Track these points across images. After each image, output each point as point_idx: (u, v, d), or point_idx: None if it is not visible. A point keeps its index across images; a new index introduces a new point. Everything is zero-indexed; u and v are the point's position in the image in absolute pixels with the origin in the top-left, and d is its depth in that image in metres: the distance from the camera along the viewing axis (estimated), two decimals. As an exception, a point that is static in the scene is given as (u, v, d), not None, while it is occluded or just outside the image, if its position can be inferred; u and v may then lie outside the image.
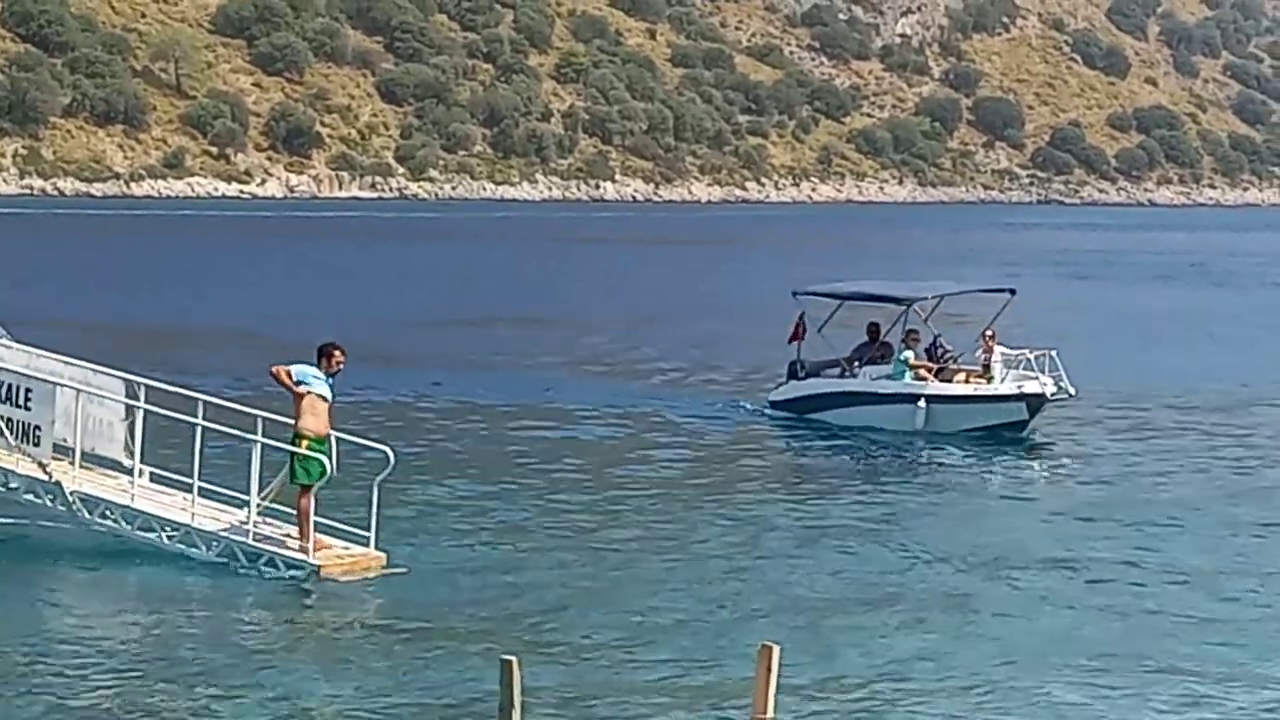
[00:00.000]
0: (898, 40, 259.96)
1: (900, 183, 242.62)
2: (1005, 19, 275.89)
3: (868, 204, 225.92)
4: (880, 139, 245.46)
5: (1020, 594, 26.84)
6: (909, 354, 39.47)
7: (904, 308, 41.21)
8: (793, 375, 41.56)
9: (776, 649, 17.11)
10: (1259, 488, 36.23)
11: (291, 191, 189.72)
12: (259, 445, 27.07)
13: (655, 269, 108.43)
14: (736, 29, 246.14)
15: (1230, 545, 30.93)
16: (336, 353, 27.05)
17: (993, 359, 38.98)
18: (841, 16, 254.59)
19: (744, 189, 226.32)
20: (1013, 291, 42.60)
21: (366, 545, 26.84)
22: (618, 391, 48.10)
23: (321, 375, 26.80)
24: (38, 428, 28.27)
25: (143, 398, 28.54)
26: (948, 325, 42.65)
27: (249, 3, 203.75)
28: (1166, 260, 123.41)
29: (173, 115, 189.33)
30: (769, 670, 17.13)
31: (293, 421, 27.12)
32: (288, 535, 27.17)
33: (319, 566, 26.41)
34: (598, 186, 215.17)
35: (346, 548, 26.97)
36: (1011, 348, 40.54)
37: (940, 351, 39.99)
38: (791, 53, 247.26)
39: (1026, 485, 36.76)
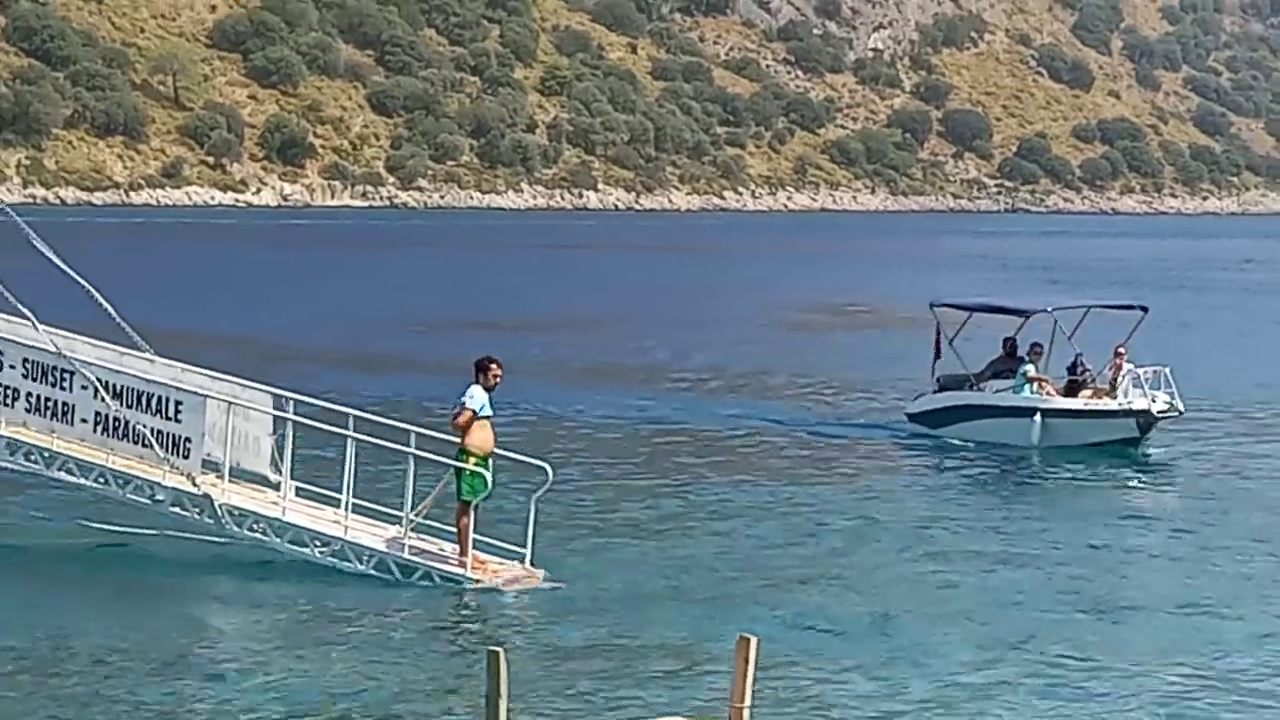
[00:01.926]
0: (870, 54, 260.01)
1: (873, 192, 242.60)
2: (973, 34, 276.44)
3: (841, 213, 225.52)
4: (853, 150, 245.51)
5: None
6: (1029, 368, 38.87)
7: (1024, 319, 40.68)
8: (942, 389, 40.86)
9: (754, 640, 17.13)
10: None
11: (285, 200, 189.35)
12: (412, 459, 26.58)
13: (717, 274, 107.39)
14: (715, 43, 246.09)
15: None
16: (494, 366, 26.48)
17: (1121, 376, 38.35)
18: (816, 31, 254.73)
19: (722, 198, 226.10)
20: (1145, 309, 41.92)
21: (523, 560, 26.30)
22: (756, 405, 47.04)
23: (484, 389, 26.22)
24: (188, 440, 27.78)
25: (291, 411, 28.02)
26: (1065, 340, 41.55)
27: (244, 17, 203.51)
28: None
29: (171, 126, 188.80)
30: (746, 661, 17.15)
31: (444, 436, 26.74)
32: (442, 549, 26.63)
33: (476, 580, 25.86)
34: (581, 195, 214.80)
35: (502, 562, 26.42)
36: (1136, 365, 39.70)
37: (1080, 369, 39.14)
38: (768, 66, 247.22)
39: (1111, 504, 35.40)
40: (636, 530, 30.83)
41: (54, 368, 28.86)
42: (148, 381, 28.67)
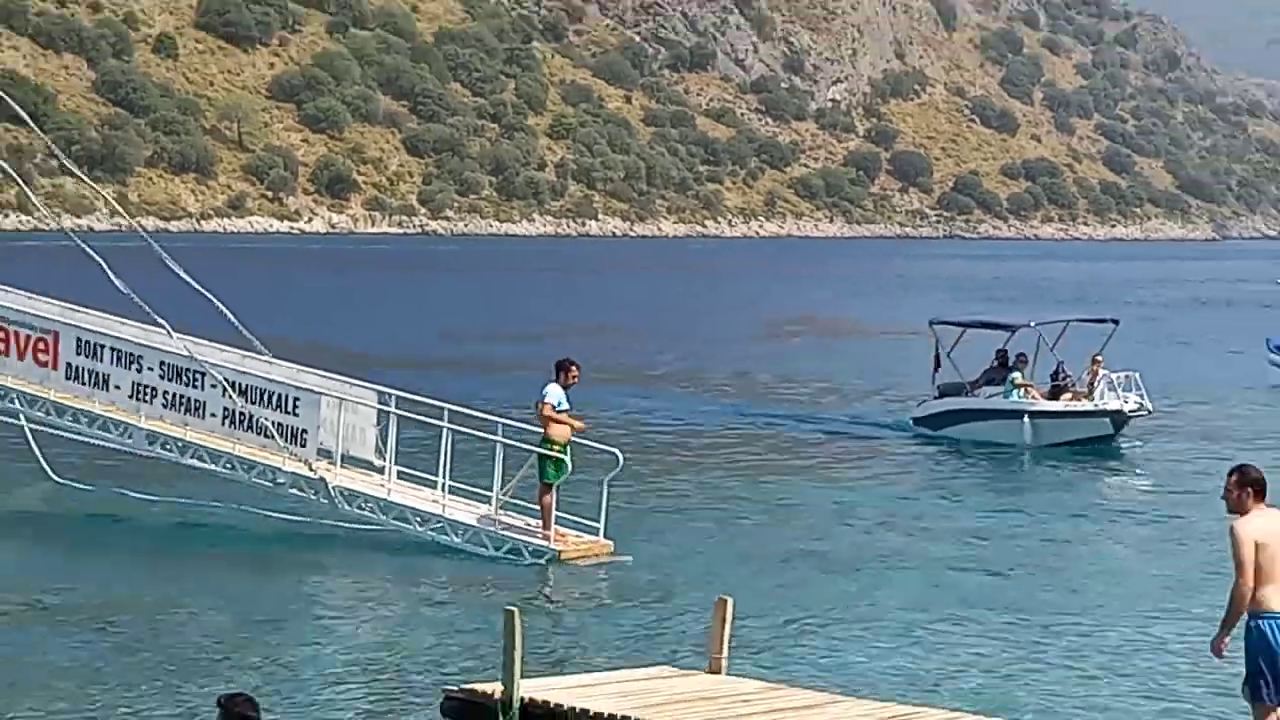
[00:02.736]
0: (829, 104, 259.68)
1: (831, 221, 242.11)
2: (916, 87, 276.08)
3: (805, 238, 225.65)
4: (815, 185, 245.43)
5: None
6: (1017, 375, 38.31)
7: (1011, 333, 40.07)
8: (942, 395, 40.21)
9: (730, 601, 17.85)
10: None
11: (333, 228, 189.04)
12: (501, 446, 26.30)
13: (708, 293, 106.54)
14: (697, 95, 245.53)
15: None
16: (573, 368, 26.19)
17: (1097, 380, 37.81)
18: (783, 85, 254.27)
19: (704, 226, 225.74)
20: (1116, 321, 41.57)
21: (597, 535, 25.99)
22: (778, 408, 46.37)
23: (561, 387, 25.95)
24: (304, 431, 27.56)
25: (393, 406, 27.72)
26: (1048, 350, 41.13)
27: (298, 73, 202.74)
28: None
29: (235, 165, 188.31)
30: (723, 621, 17.66)
31: (527, 425, 26.51)
32: (528, 525, 26.30)
33: (559, 552, 25.56)
34: (584, 224, 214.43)
35: (579, 536, 26.10)
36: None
37: (1062, 376, 38.57)
38: (742, 114, 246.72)
39: (1071, 492, 35.29)
40: (690, 510, 30.53)
41: (187, 369, 28.64)
42: (269, 380, 28.47)
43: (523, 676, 16.68)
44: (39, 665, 19.82)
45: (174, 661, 20.24)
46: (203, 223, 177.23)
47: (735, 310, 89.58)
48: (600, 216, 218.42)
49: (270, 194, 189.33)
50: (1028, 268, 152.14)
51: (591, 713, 16.18)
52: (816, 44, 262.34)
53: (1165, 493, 33.95)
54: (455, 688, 17.54)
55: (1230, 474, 14.00)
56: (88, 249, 29.53)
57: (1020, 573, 26.18)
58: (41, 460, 30.76)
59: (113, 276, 29.04)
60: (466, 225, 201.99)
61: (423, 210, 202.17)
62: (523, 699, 16.49)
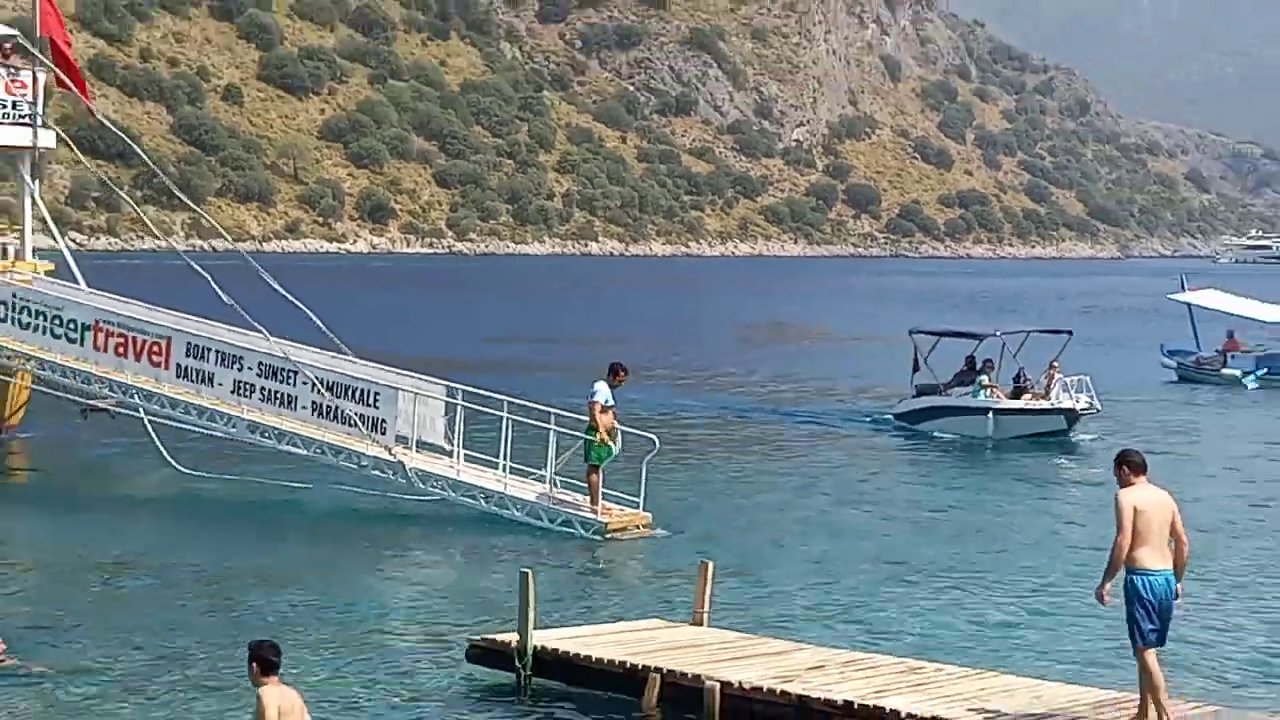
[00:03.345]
0: (793, 144, 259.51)
1: (795, 243, 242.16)
2: (867, 129, 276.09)
3: (773, 257, 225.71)
4: (781, 212, 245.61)
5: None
6: (984, 378, 37.84)
7: (979, 341, 39.61)
8: (919, 394, 39.60)
9: (710, 564, 18.22)
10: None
11: (374, 248, 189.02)
12: (554, 433, 26.09)
13: (699, 305, 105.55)
14: (682, 136, 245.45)
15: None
16: (621, 372, 26.07)
17: (1053, 383, 37.33)
18: (754, 127, 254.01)
19: (688, 247, 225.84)
20: (1070, 332, 41.15)
21: (637, 508, 25.70)
22: (779, 404, 45.93)
23: (609, 387, 25.75)
24: (383, 421, 27.34)
25: (460, 398, 27.49)
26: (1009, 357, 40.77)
27: (344, 118, 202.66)
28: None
29: (291, 195, 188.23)
30: (705, 581, 17.95)
31: (578, 416, 26.27)
32: (578, 500, 26.01)
33: (605, 523, 25.28)
34: (586, 245, 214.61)
35: (622, 509, 25.78)
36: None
37: (1022, 378, 38.00)
38: (720, 153, 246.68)
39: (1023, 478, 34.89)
40: (715, 488, 30.34)
41: (281, 368, 28.44)
42: (352, 377, 28.25)
43: (538, 628, 16.92)
44: (163, 620, 19.72)
45: (269, 613, 20.22)
46: (264, 244, 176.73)
47: (723, 319, 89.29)
48: (600, 239, 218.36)
49: (321, 220, 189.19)
50: (963, 283, 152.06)
51: (594, 658, 16.55)
52: (783, 93, 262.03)
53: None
54: (479, 637, 17.66)
55: (1116, 457, 14.59)
56: (198, 268, 29.23)
57: (977, 541, 25.97)
58: (160, 447, 30.39)
59: (218, 290, 28.81)
60: (487, 246, 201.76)
61: (450, 233, 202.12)
62: (535, 647, 16.71)
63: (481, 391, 27.58)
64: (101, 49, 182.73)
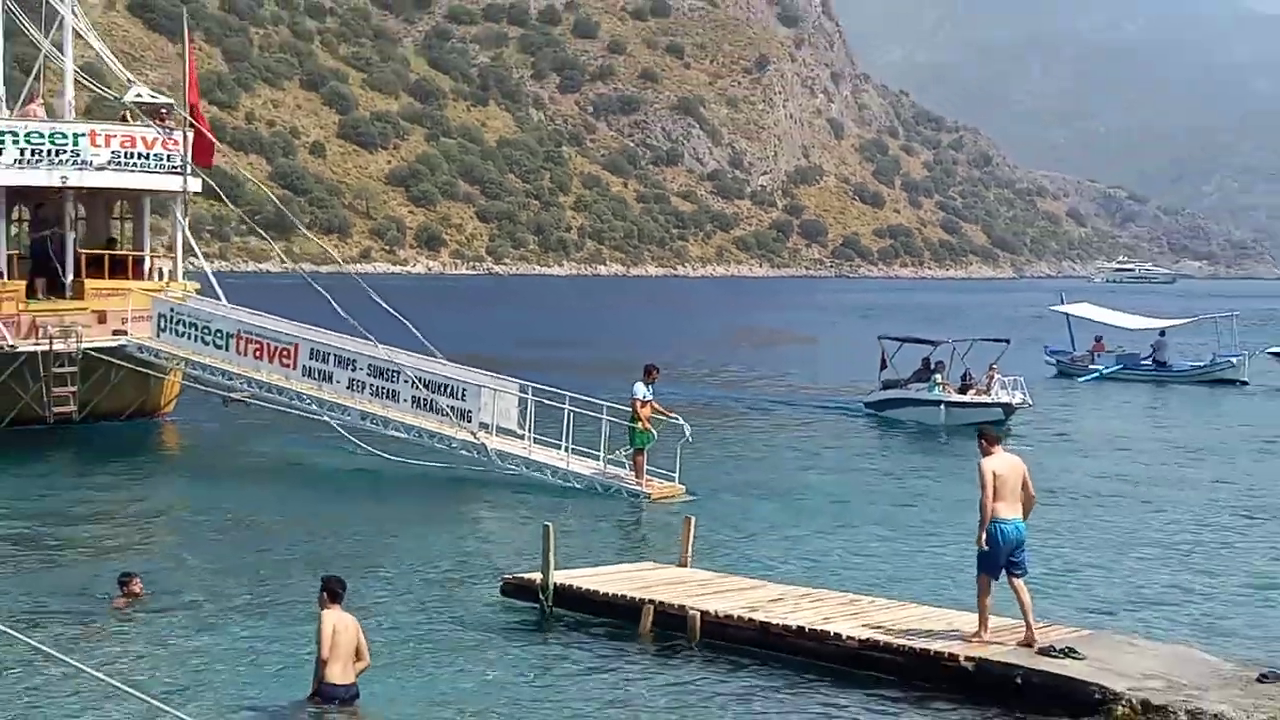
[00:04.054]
0: (759, 188, 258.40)
1: (760, 266, 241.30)
2: (816, 177, 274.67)
3: (742, 278, 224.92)
4: (749, 242, 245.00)
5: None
6: (938, 375, 37.28)
7: (934, 346, 39.02)
8: (885, 388, 39.14)
9: (693, 519, 18.56)
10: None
11: (429, 270, 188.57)
12: (605, 422, 25.81)
13: (693, 317, 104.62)
14: (671, 181, 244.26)
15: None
16: (655, 371, 25.82)
17: (993, 382, 36.78)
18: (729, 175, 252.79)
19: (675, 270, 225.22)
20: (1008, 340, 40.68)
21: (673, 481, 25.39)
22: (773, 394, 45.52)
23: (646, 385, 25.46)
24: (468, 411, 27.08)
25: (530, 393, 27.20)
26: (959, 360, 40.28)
27: (406, 167, 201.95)
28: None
29: (364, 228, 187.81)
30: (689, 532, 18.18)
31: (623, 407, 25.99)
32: (626, 475, 25.69)
33: (649, 494, 24.96)
34: (595, 268, 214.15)
35: (662, 482, 25.46)
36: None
37: (968, 377, 37.31)
38: (701, 195, 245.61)
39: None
40: (736, 463, 29.95)
41: (386, 368, 28.17)
42: (443, 376, 27.97)
43: (558, 569, 17.02)
44: (273, 560, 19.85)
45: (358, 557, 20.08)
46: (342, 268, 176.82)
47: (710, 327, 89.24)
48: (607, 263, 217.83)
49: (387, 248, 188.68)
50: (893, 297, 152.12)
51: (600, 592, 16.74)
52: (750, 148, 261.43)
53: (1035, 455, 33.37)
54: (510, 576, 17.76)
55: (977, 432, 15.09)
56: (318, 287, 28.96)
57: (921, 503, 25.52)
58: (352, 441, 29.47)
59: (337, 307, 28.57)
60: (518, 268, 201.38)
61: (489, 258, 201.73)
62: (554, 583, 16.83)
63: (546, 388, 27.27)
64: (215, 113, 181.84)
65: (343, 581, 13.44)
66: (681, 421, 25.77)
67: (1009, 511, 14.25)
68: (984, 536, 14.21)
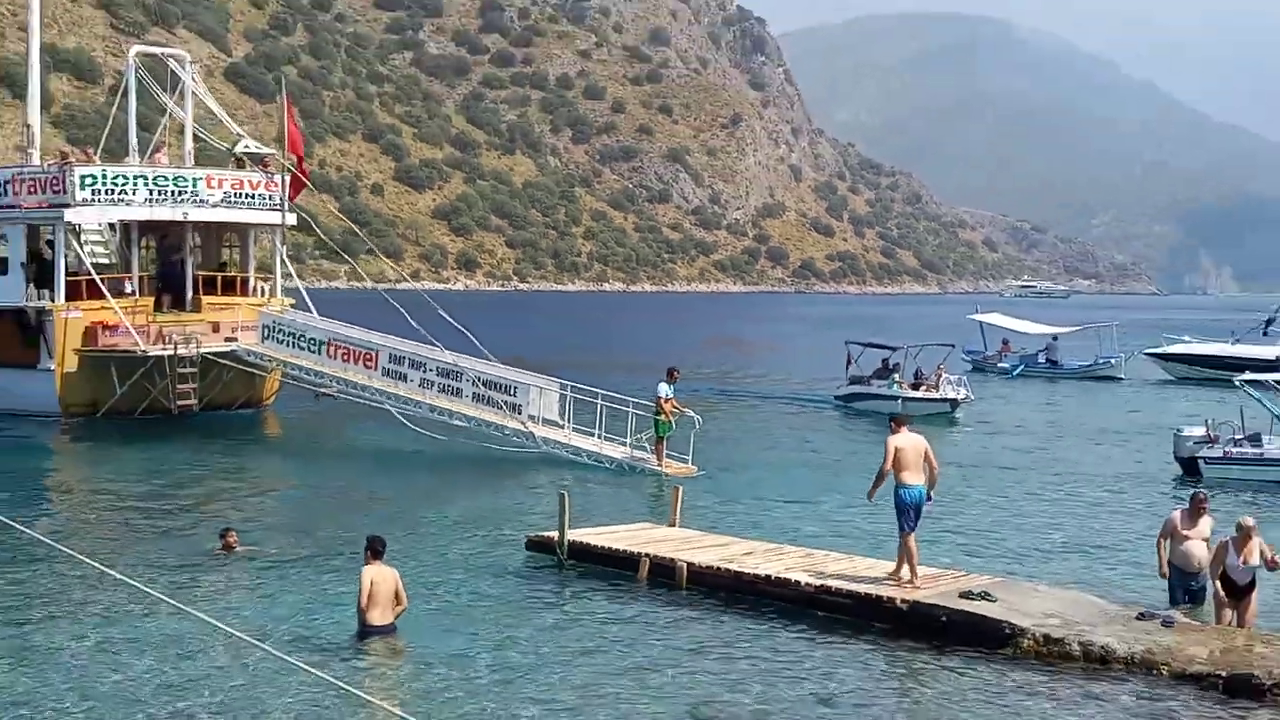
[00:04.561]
0: (734, 220, 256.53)
1: (735, 284, 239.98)
2: (780, 212, 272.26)
3: (720, 294, 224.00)
4: (726, 264, 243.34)
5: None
6: (896, 375, 37.01)
7: (892, 350, 38.72)
8: (852, 383, 38.58)
9: (681, 488, 18.83)
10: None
11: (466, 288, 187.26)
12: (631, 414, 25.58)
13: (686, 326, 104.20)
14: (662, 216, 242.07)
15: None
16: (676, 373, 25.57)
17: (941, 379, 36.46)
18: (709, 210, 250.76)
19: (666, 287, 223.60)
20: (953, 345, 40.32)
21: (687, 462, 25.13)
22: (757, 389, 45.08)
23: (669, 385, 25.20)
24: (519, 404, 26.79)
25: (569, 390, 26.95)
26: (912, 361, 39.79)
27: (449, 204, 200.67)
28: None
29: (415, 254, 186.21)
30: (677, 499, 18.31)
31: (647, 402, 25.77)
32: (649, 457, 25.38)
33: (666, 472, 24.65)
34: (601, 285, 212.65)
35: (678, 464, 25.18)
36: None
37: (920, 376, 37.03)
38: (687, 227, 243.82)
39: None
40: (732, 446, 29.53)
41: (451, 369, 27.92)
42: (498, 376, 27.70)
43: (572, 528, 16.97)
44: (346, 523, 19.03)
45: (416, 518, 19.90)
46: (397, 285, 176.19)
47: (700, 334, 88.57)
48: (610, 281, 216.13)
49: (433, 269, 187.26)
50: (843, 309, 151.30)
51: (605, 546, 16.74)
52: (726, 188, 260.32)
53: (959, 435, 33.23)
54: (532, 534, 17.75)
55: (889, 416, 15.72)
56: (395, 304, 28.76)
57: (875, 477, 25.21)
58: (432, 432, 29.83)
59: (409, 319, 28.34)
60: (538, 286, 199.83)
61: (515, 278, 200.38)
62: (568, 540, 16.81)
63: (582, 386, 27.04)
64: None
65: (383, 541, 13.54)
66: (694, 415, 25.61)
67: (911, 479, 14.40)
68: (873, 494, 14.79)
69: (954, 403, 35.87)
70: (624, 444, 25.75)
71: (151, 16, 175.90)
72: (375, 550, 13.27)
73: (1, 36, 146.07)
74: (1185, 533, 14.46)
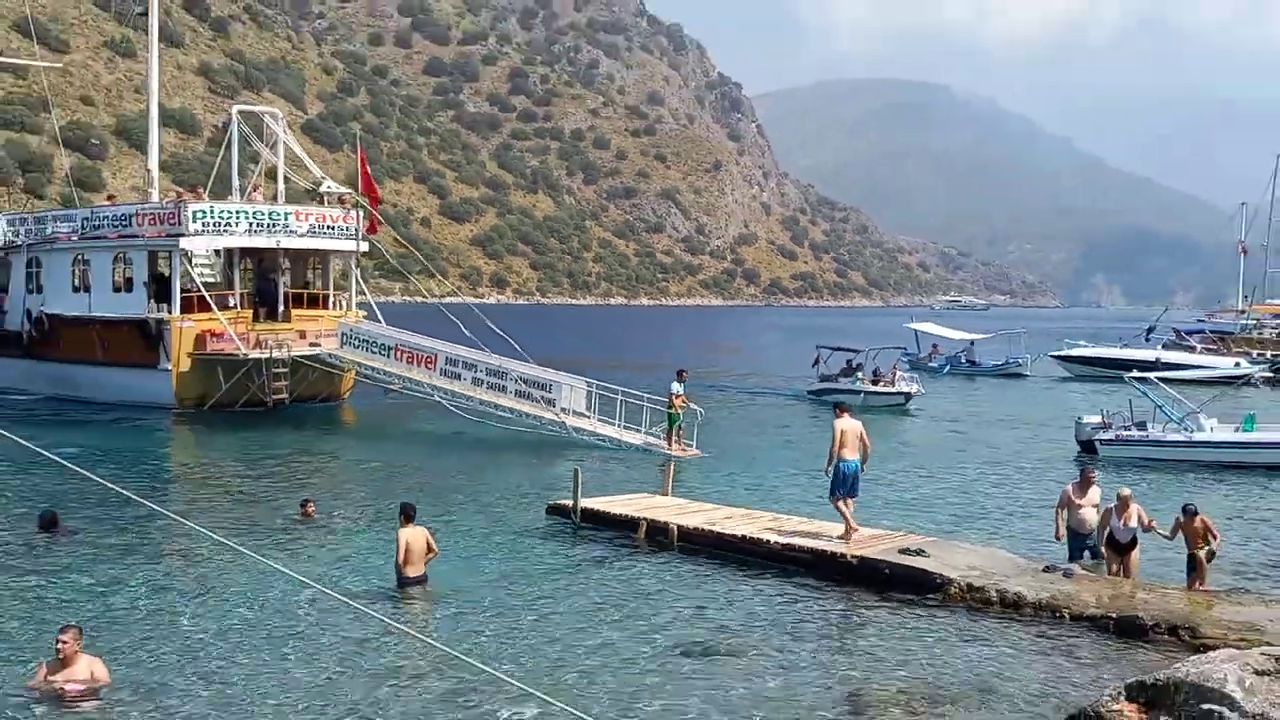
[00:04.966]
0: (715, 247, 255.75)
1: (716, 299, 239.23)
2: (753, 240, 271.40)
3: (704, 307, 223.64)
4: (710, 282, 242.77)
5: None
6: (859, 373, 36.79)
7: (855, 353, 38.45)
8: (822, 380, 38.19)
9: (674, 462, 19.08)
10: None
11: (498, 301, 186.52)
12: (646, 408, 25.42)
13: (680, 335, 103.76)
14: (658, 244, 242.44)
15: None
16: (685, 372, 25.48)
17: (896, 377, 36.30)
18: (696, 239, 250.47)
19: (661, 302, 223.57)
20: (905, 348, 40.04)
21: (692, 446, 24.96)
22: (742, 385, 44.56)
23: (680, 383, 25.04)
24: (553, 399, 26.60)
25: (595, 388, 26.77)
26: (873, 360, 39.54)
27: (484, 234, 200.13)
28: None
29: (456, 274, 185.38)
30: (669, 472, 18.32)
31: (660, 398, 25.59)
32: (660, 442, 25.13)
33: (676, 455, 24.34)
34: (608, 300, 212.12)
35: (686, 448, 24.98)
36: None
37: (878, 373, 36.82)
38: (678, 252, 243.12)
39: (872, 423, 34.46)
40: (724, 432, 29.18)
41: (497, 369, 27.76)
42: (536, 374, 27.54)
43: (584, 497, 16.83)
44: (404, 493, 18.25)
45: (456, 489, 19.78)
46: (442, 300, 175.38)
47: (690, 341, 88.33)
48: (615, 297, 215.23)
49: (471, 286, 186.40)
50: (804, 320, 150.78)
51: (611, 512, 16.61)
52: (709, 221, 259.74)
53: (918, 423, 32.94)
54: (551, 502, 17.66)
55: (834, 404, 15.98)
56: (451, 317, 28.55)
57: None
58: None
59: (462, 329, 28.12)
60: (556, 300, 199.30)
61: (537, 294, 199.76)
62: (580, 507, 16.69)
63: (604, 384, 26.86)
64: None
65: (414, 506, 13.74)
66: (697, 408, 25.47)
67: (849, 455, 14.77)
68: (829, 468, 14.90)
69: (907, 395, 35.65)
70: (640, 431, 25.56)
71: (242, 81, 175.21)
72: (407, 515, 13.39)
73: (120, 98, 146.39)
74: (1078, 501, 14.61)
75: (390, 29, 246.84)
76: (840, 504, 14.74)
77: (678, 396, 24.67)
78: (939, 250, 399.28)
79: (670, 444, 24.77)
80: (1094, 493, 14.55)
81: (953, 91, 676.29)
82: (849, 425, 14.82)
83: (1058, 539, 14.69)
